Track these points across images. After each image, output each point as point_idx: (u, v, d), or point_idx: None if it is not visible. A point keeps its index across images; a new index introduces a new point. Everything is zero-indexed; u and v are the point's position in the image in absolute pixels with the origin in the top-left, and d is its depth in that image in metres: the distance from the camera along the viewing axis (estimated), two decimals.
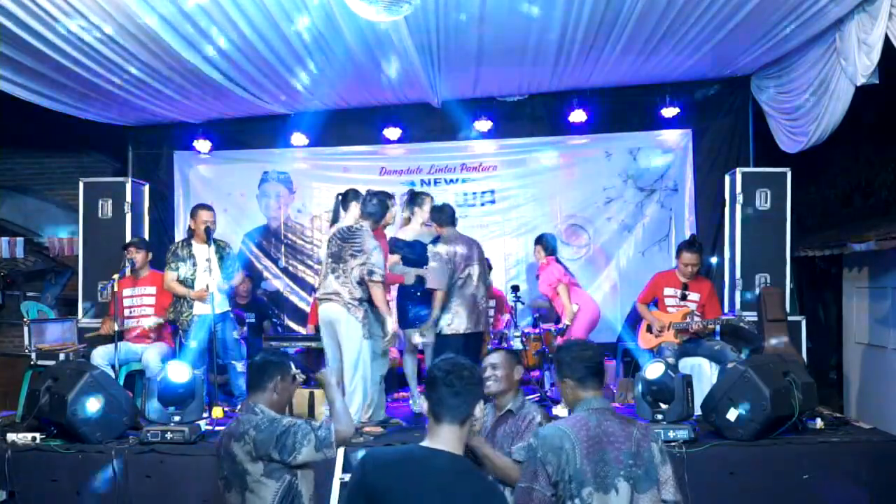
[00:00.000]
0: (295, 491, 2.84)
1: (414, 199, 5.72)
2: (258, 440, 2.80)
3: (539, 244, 6.24)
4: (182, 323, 5.48)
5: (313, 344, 5.92)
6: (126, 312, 5.74)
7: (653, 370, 4.59)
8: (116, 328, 5.45)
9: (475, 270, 5.24)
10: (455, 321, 5.14)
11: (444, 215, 5.37)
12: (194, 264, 5.52)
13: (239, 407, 5.42)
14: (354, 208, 5.18)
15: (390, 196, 5.19)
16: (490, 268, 6.07)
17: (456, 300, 5.17)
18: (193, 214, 5.66)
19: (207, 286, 5.38)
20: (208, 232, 5.45)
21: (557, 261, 6.18)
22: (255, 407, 2.93)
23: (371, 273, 4.69)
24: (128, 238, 6.56)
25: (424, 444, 2.29)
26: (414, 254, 5.51)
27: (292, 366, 3.09)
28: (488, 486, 2.30)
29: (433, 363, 2.42)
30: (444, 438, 2.26)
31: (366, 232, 4.82)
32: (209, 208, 5.66)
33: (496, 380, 3.37)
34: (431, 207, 5.55)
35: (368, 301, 4.85)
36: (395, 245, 5.44)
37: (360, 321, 4.74)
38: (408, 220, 5.73)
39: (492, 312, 6.61)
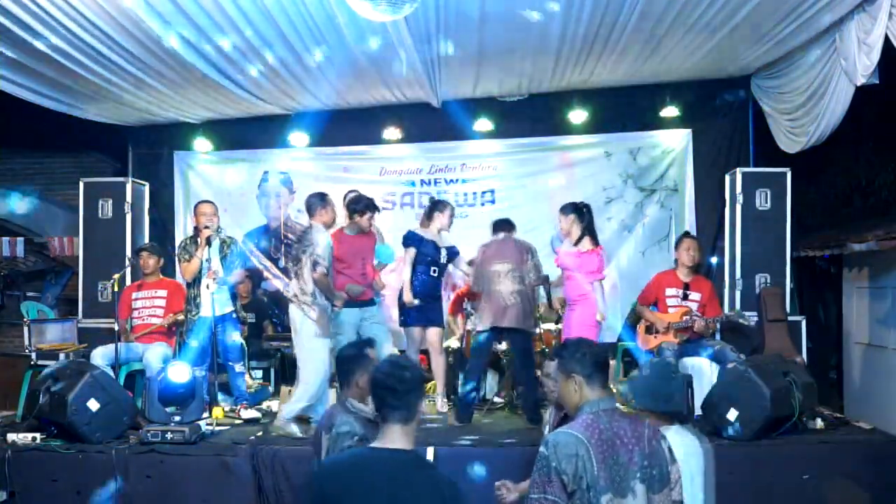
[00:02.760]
0: None
1: (435, 206, 5.81)
2: (336, 436, 2.92)
3: (572, 213, 5.44)
4: (189, 322, 5.50)
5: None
6: (135, 314, 5.77)
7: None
8: (116, 328, 5.44)
9: (504, 267, 5.28)
10: (477, 317, 5.29)
11: (496, 224, 5.61)
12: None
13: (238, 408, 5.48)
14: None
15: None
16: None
17: (483, 298, 5.32)
18: (194, 210, 5.70)
19: (208, 286, 5.38)
20: (208, 230, 5.47)
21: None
22: (347, 402, 3.06)
23: (315, 264, 4.83)
24: (128, 238, 6.58)
25: (374, 445, 2.34)
26: (427, 249, 5.60)
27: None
28: (439, 476, 2.32)
29: (377, 365, 2.49)
30: (392, 437, 2.30)
31: (315, 228, 4.99)
32: (206, 202, 5.70)
33: (552, 388, 3.41)
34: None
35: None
36: (411, 238, 5.62)
37: (315, 321, 4.82)
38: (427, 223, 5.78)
39: None
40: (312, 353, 4.81)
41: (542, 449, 2.41)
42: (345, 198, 5.83)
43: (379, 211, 5.71)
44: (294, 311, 4.90)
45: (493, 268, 5.31)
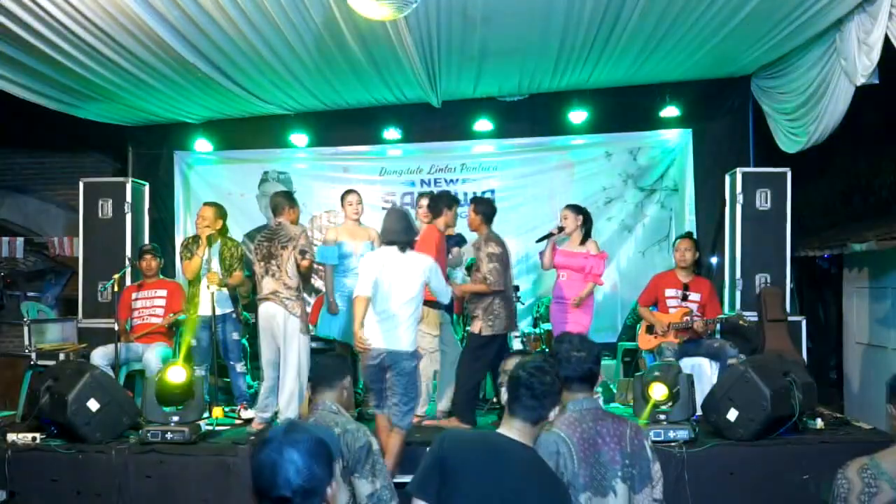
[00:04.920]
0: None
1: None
2: (346, 440, 2.84)
3: (581, 215, 5.49)
4: (189, 323, 5.49)
5: (313, 344, 5.91)
6: (135, 314, 5.77)
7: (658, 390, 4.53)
8: (116, 328, 5.44)
9: (514, 272, 5.27)
10: (496, 322, 4.98)
11: (490, 209, 5.27)
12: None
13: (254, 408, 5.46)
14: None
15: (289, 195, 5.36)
16: None
17: (498, 300, 5.00)
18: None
19: (208, 286, 5.38)
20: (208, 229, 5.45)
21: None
22: (332, 405, 3.00)
23: (302, 252, 4.84)
24: (128, 238, 6.57)
25: (499, 431, 2.34)
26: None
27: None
28: (554, 478, 2.33)
29: (520, 362, 2.41)
30: (517, 431, 2.31)
31: (287, 225, 5.03)
32: (209, 205, 5.63)
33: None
34: (474, 199, 5.54)
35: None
36: None
37: (299, 317, 4.84)
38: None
39: None
40: (303, 351, 4.83)
41: None
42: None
43: (460, 203, 5.59)
44: (272, 308, 4.85)
45: (510, 269, 5.20)
